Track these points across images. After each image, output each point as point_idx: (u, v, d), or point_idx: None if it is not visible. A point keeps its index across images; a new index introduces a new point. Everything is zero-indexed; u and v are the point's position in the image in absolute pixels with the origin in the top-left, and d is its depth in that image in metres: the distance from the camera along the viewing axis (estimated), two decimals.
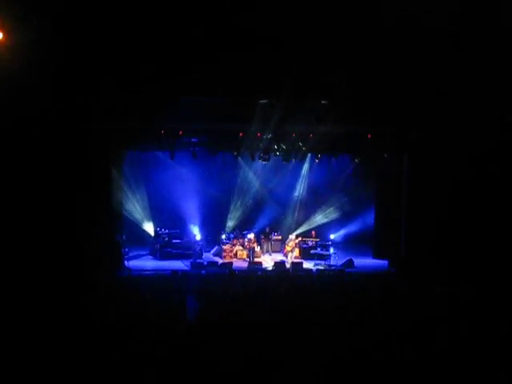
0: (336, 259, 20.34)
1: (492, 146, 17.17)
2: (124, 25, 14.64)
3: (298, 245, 21.37)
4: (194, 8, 14.48)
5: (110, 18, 14.59)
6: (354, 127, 18.53)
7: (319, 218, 23.64)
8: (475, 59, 15.40)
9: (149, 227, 22.30)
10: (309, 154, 21.41)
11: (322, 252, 21.03)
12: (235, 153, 20.15)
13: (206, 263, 19.50)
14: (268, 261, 20.79)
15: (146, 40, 15.07)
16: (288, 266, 19.78)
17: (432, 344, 9.20)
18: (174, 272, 16.99)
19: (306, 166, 23.18)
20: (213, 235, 22.70)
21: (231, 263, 19.58)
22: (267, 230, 22.67)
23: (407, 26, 14.72)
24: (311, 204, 23.97)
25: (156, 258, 20.85)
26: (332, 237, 22.17)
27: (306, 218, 23.76)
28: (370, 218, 22.41)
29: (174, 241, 21.20)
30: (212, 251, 21.98)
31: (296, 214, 23.98)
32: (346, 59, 15.59)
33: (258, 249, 21.35)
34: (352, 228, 23.56)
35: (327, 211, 23.76)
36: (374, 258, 21.66)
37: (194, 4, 14.56)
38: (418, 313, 11.11)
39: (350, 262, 20.03)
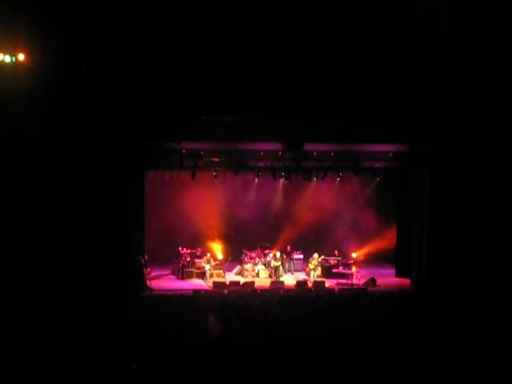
0: (358, 278, 20.22)
1: None
2: (144, 45, 14.87)
3: (321, 263, 21.24)
4: (213, 28, 14.69)
5: (133, 39, 14.84)
6: (375, 145, 18.54)
7: (341, 237, 23.49)
8: (492, 71, 15.31)
9: (171, 247, 22.37)
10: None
11: (344, 271, 20.89)
12: (257, 172, 20.26)
13: (227, 283, 19.47)
14: (290, 280, 20.70)
15: (167, 60, 15.28)
16: (310, 284, 19.68)
17: (455, 363, 9.08)
18: (196, 292, 17.03)
19: (327, 185, 23.08)
20: (235, 255, 22.68)
21: (253, 282, 19.52)
22: (288, 248, 22.57)
23: (417, 35, 14.75)
24: (333, 222, 23.87)
25: (178, 277, 20.88)
26: (354, 255, 22.03)
27: (328, 236, 23.63)
28: (392, 236, 22.22)
29: (196, 260, 21.21)
30: (234, 271, 21.94)
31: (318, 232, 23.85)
32: (362, 76, 15.62)
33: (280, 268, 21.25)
34: (375, 246, 23.38)
35: (349, 229, 23.65)
36: (396, 276, 21.44)
37: (216, 25, 14.79)
38: (440, 332, 10.98)
39: (372, 281, 19.85)
